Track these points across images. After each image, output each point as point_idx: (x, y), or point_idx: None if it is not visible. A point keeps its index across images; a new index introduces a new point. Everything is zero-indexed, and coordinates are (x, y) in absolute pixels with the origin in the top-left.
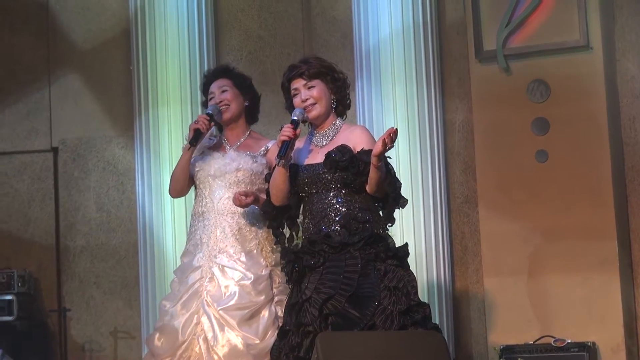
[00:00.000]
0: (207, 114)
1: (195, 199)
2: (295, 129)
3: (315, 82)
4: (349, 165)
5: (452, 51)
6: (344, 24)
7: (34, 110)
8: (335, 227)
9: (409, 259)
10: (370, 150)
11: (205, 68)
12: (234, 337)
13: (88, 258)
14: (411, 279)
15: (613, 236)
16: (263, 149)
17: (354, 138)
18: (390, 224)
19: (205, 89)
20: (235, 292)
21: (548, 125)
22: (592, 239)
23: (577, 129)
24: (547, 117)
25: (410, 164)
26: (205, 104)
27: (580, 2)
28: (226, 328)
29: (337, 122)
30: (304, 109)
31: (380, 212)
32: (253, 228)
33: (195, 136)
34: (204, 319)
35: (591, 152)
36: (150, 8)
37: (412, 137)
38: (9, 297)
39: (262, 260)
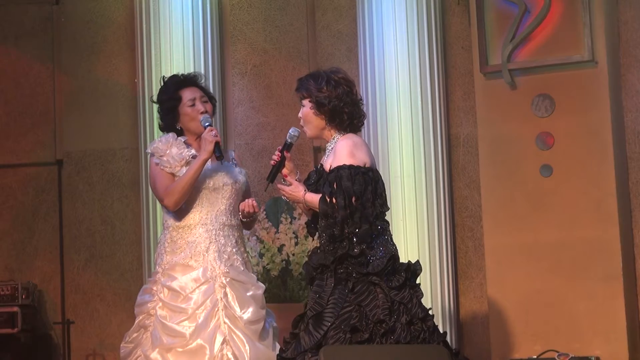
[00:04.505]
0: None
1: (177, 210)
2: (283, 151)
3: (305, 102)
4: (316, 188)
5: (456, 65)
6: (348, 37)
7: (38, 123)
8: (320, 247)
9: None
10: (334, 168)
11: (211, 81)
12: (259, 350)
13: (92, 271)
14: (384, 296)
15: (617, 251)
16: (232, 158)
17: (334, 153)
18: (360, 245)
19: (176, 90)
20: (251, 306)
21: (553, 140)
22: (596, 254)
23: (581, 143)
24: (551, 131)
25: (414, 178)
26: (170, 107)
27: (585, 17)
28: (252, 342)
29: (335, 136)
30: None
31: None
32: (242, 241)
33: (219, 149)
34: (231, 335)
35: (596, 166)
36: (155, 21)
37: (417, 151)
38: (13, 310)
39: (252, 273)
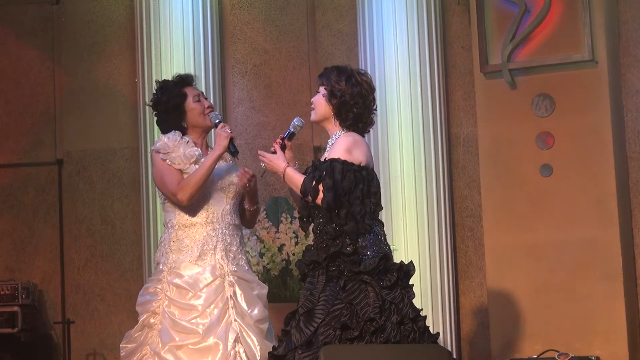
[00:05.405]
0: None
1: (183, 209)
2: (284, 139)
3: (321, 89)
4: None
5: (457, 65)
6: (349, 37)
7: (39, 123)
8: (313, 244)
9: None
10: (328, 159)
11: (211, 81)
12: (268, 349)
13: (92, 270)
14: (375, 295)
15: (617, 251)
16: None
17: (332, 148)
18: (351, 240)
19: (180, 87)
20: (257, 305)
21: (553, 140)
22: (596, 254)
23: (581, 143)
24: (551, 131)
25: (414, 178)
26: (176, 104)
27: (585, 17)
28: (262, 340)
29: (338, 132)
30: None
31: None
32: (243, 241)
33: (234, 144)
34: (242, 333)
35: (596, 166)
36: (155, 20)
37: (417, 150)
38: (13, 309)
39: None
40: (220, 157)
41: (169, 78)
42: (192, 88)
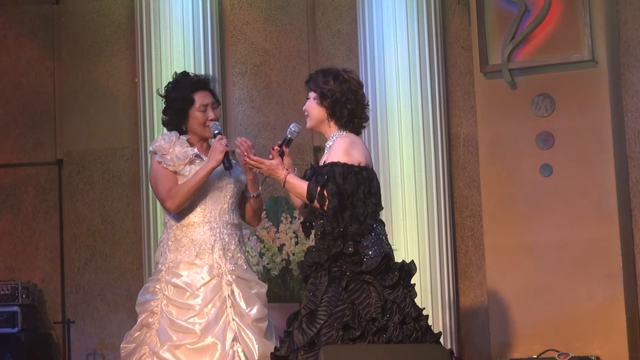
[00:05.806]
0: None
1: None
2: (282, 145)
3: (311, 94)
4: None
5: (457, 65)
6: (349, 37)
7: (39, 123)
8: (315, 246)
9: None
10: (328, 163)
11: None
12: (267, 348)
13: (92, 270)
14: (377, 295)
15: (617, 250)
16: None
17: (330, 151)
18: (352, 241)
19: (190, 92)
20: (256, 303)
21: (553, 139)
22: (596, 253)
23: (581, 143)
24: (551, 131)
25: (415, 178)
26: (181, 107)
27: (585, 17)
28: (261, 339)
29: (335, 134)
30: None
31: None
32: (243, 240)
33: (228, 159)
34: (240, 332)
35: (596, 166)
36: (155, 20)
37: (417, 150)
38: (13, 309)
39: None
40: (213, 170)
41: (170, 77)
42: (204, 94)
